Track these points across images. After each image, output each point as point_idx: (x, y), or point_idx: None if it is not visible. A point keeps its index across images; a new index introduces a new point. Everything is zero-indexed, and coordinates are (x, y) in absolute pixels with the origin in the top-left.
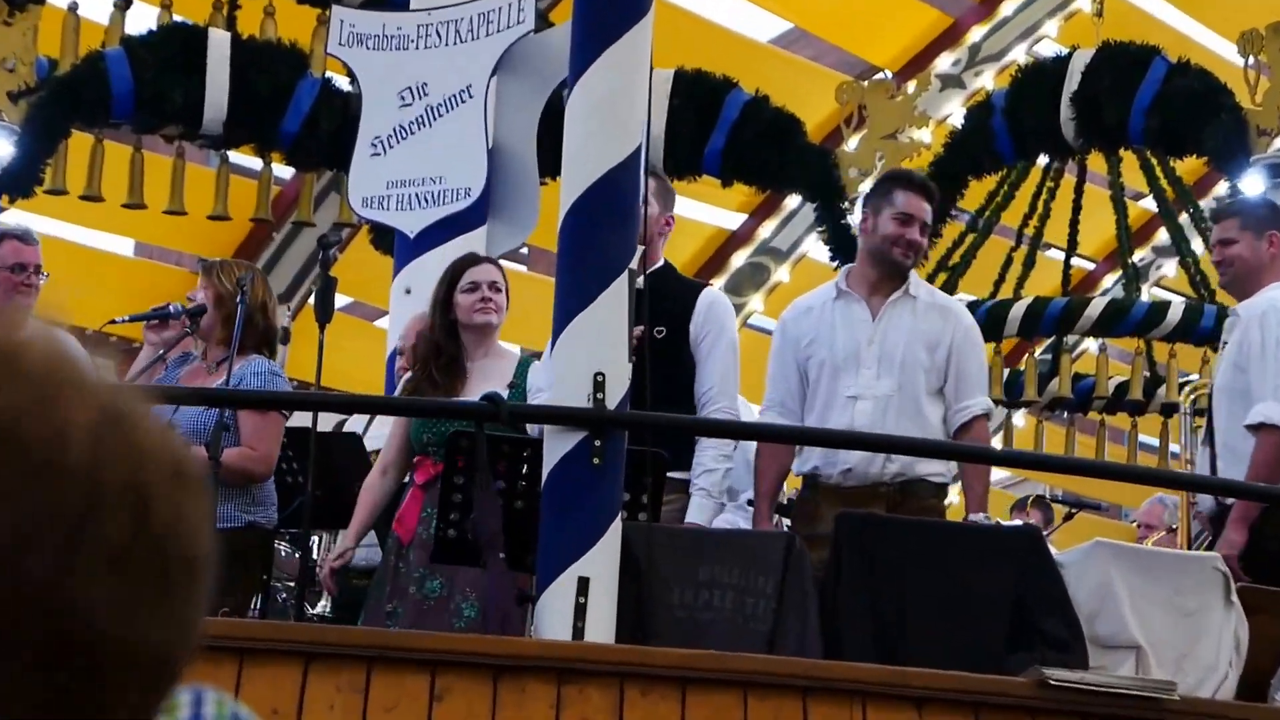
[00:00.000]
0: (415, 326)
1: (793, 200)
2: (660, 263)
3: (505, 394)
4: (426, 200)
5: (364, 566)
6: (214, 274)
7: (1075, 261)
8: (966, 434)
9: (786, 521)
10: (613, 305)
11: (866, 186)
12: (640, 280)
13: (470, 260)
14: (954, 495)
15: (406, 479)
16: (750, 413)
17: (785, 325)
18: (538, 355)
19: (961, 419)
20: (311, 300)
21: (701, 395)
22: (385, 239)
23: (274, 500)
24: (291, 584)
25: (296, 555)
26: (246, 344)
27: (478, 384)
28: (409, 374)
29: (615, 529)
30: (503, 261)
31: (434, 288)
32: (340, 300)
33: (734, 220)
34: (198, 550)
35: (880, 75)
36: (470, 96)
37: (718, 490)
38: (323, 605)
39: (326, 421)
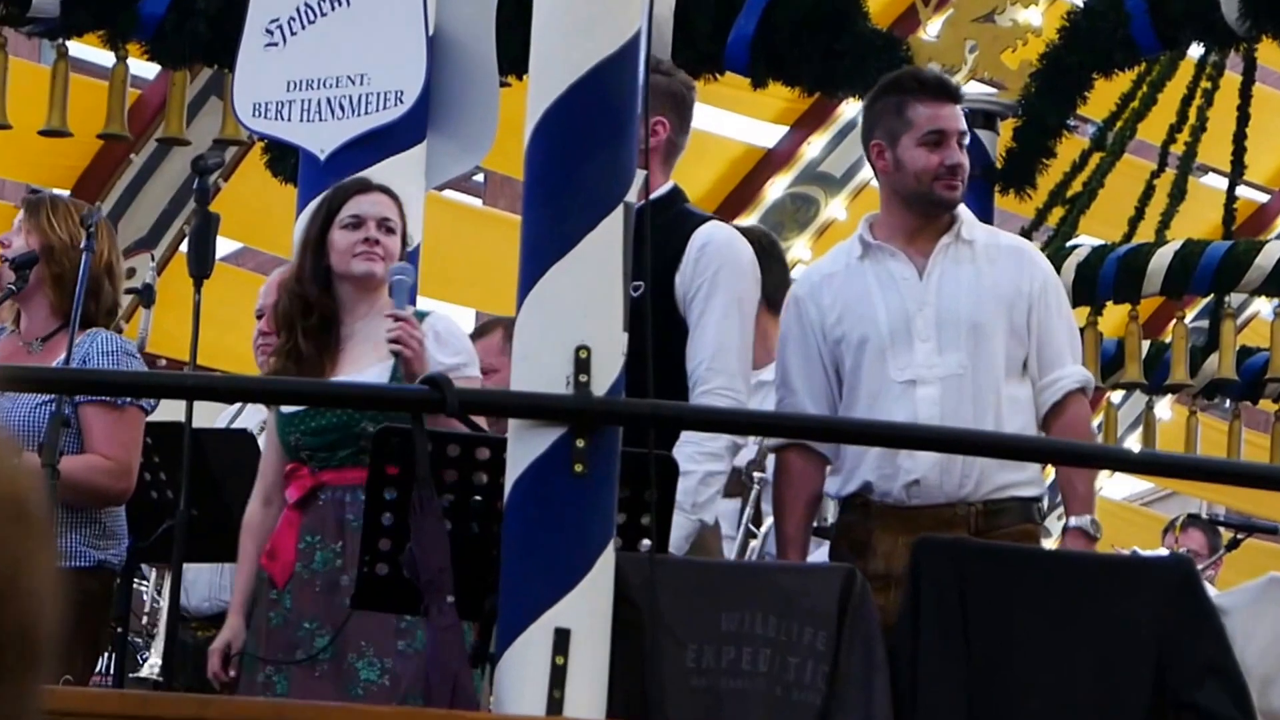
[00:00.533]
0: (281, 278)
1: (849, 108)
2: (668, 186)
3: (390, 368)
4: (343, 108)
5: (209, 612)
6: (43, 215)
7: (1241, 191)
8: (1060, 418)
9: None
10: (601, 253)
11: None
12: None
13: (355, 186)
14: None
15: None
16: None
17: (799, 303)
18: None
19: (1052, 397)
20: (184, 247)
21: (690, 374)
22: (285, 162)
23: (125, 530)
24: (152, 634)
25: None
26: (87, 311)
27: (358, 354)
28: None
29: (607, 562)
30: (450, 193)
31: (306, 222)
32: (224, 246)
33: (769, 135)
34: (39, 619)
35: None
36: None
37: (694, 501)
38: (151, 664)
39: (205, 414)
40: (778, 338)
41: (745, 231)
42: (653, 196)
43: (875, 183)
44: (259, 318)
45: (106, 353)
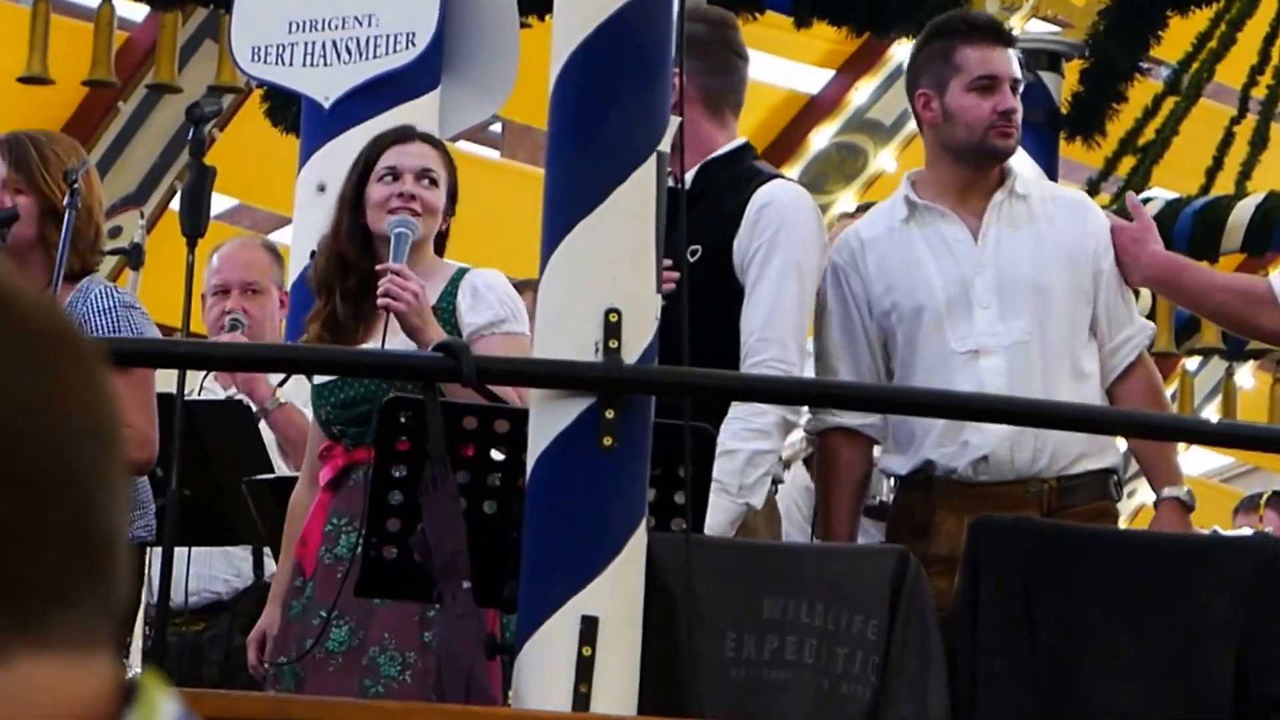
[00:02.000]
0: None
1: (900, 50)
2: (737, 142)
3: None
4: (349, 51)
5: (196, 605)
6: (32, 164)
7: None
8: (1128, 381)
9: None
10: (632, 208)
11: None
12: (675, 172)
13: (393, 135)
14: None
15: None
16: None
17: (838, 272)
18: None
19: (1125, 360)
20: (176, 204)
21: (743, 345)
22: (286, 111)
23: (150, 497)
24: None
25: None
26: (72, 268)
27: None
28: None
29: (638, 544)
30: (465, 144)
31: (344, 177)
32: (220, 203)
33: (813, 80)
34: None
35: None
36: None
37: (740, 483)
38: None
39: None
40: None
41: None
42: (720, 152)
43: None
44: (215, 293)
45: (103, 310)
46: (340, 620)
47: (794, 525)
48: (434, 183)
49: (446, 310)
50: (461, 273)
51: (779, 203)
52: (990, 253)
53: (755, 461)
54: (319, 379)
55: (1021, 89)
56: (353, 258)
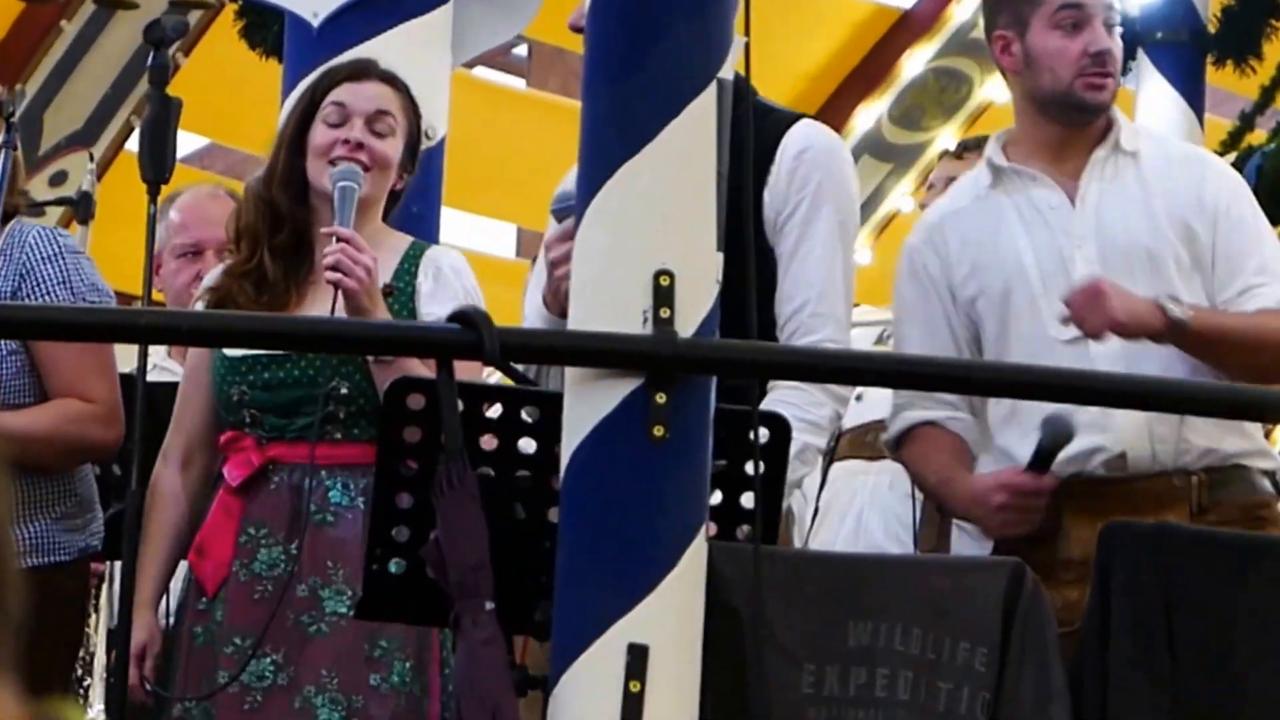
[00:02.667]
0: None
1: None
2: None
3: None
4: None
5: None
6: None
7: None
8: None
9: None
10: (688, 148)
11: None
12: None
13: (347, 70)
14: None
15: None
16: None
17: (914, 255)
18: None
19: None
20: (133, 143)
21: (784, 319)
22: (266, 30)
23: (96, 493)
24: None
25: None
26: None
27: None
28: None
29: (697, 556)
30: (484, 70)
31: (286, 112)
32: (186, 142)
33: None
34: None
35: None
36: None
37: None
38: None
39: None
40: None
41: None
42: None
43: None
44: (181, 255)
45: (48, 258)
46: (264, 652)
47: (889, 537)
48: (381, 133)
49: (404, 292)
50: (419, 249)
51: (818, 148)
52: (1090, 220)
53: (804, 457)
54: (230, 352)
55: (1119, 26)
56: (285, 208)
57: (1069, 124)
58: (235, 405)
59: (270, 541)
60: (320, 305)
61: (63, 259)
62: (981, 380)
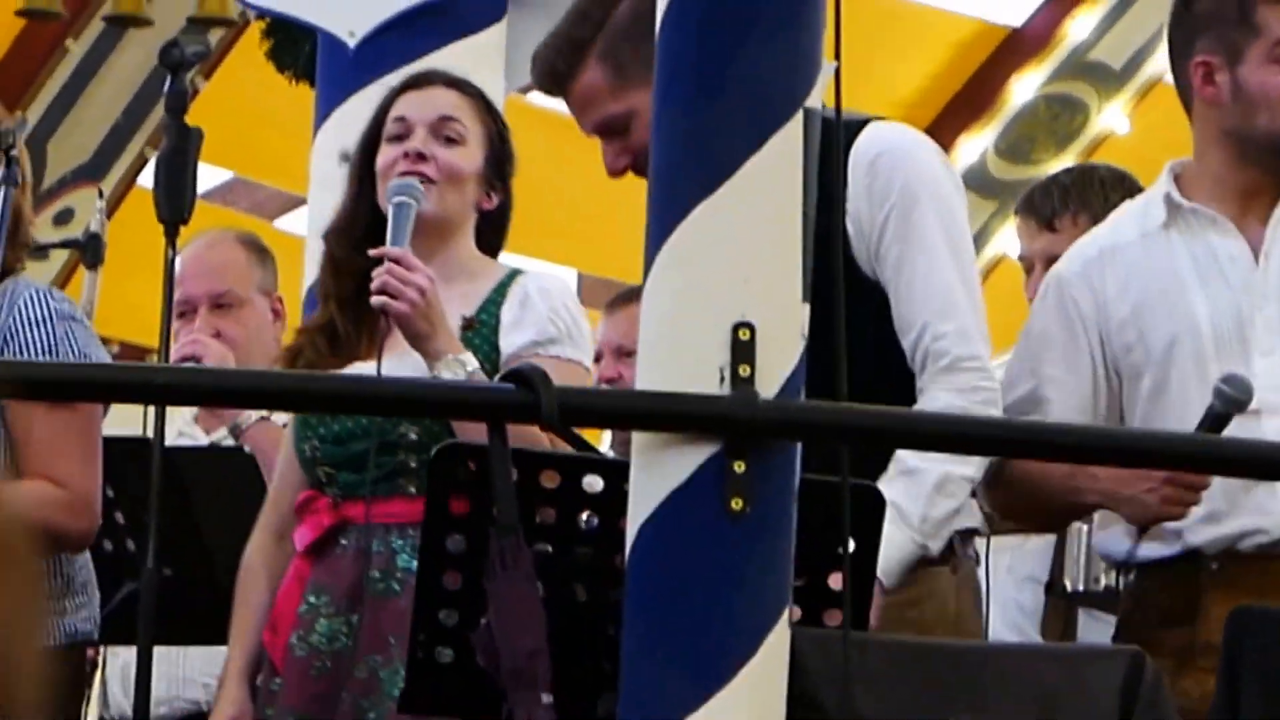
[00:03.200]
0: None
1: None
2: None
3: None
4: None
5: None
6: None
7: None
8: None
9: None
10: (771, 185)
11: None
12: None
13: (410, 80)
14: None
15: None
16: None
17: (1064, 287)
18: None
19: None
20: (147, 177)
21: (911, 351)
22: (295, 51)
23: (94, 580)
24: None
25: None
26: (13, 263)
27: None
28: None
29: (778, 644)
30: (535, 96)
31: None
32: (207, 177)
33: (1015, 7)
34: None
35: None
36: None
37: (923, 514)
38: None
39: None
40: None
41: None
42: None
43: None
44: (179, 315)
45: (36, 322)
46: None
47: (1009, 627)
48: (454, 139)
49: (487, 324)
50: (513, 275)
51: (894, 149)
52: (1276, 278)
53: (947, 489)
54: None
55: None
56: (342, 253)
57: (1270, 170)
58: (309, 462)
59: (330, 611)
60: (392, 355)
61: (50, 324)
62: (1135, 449)
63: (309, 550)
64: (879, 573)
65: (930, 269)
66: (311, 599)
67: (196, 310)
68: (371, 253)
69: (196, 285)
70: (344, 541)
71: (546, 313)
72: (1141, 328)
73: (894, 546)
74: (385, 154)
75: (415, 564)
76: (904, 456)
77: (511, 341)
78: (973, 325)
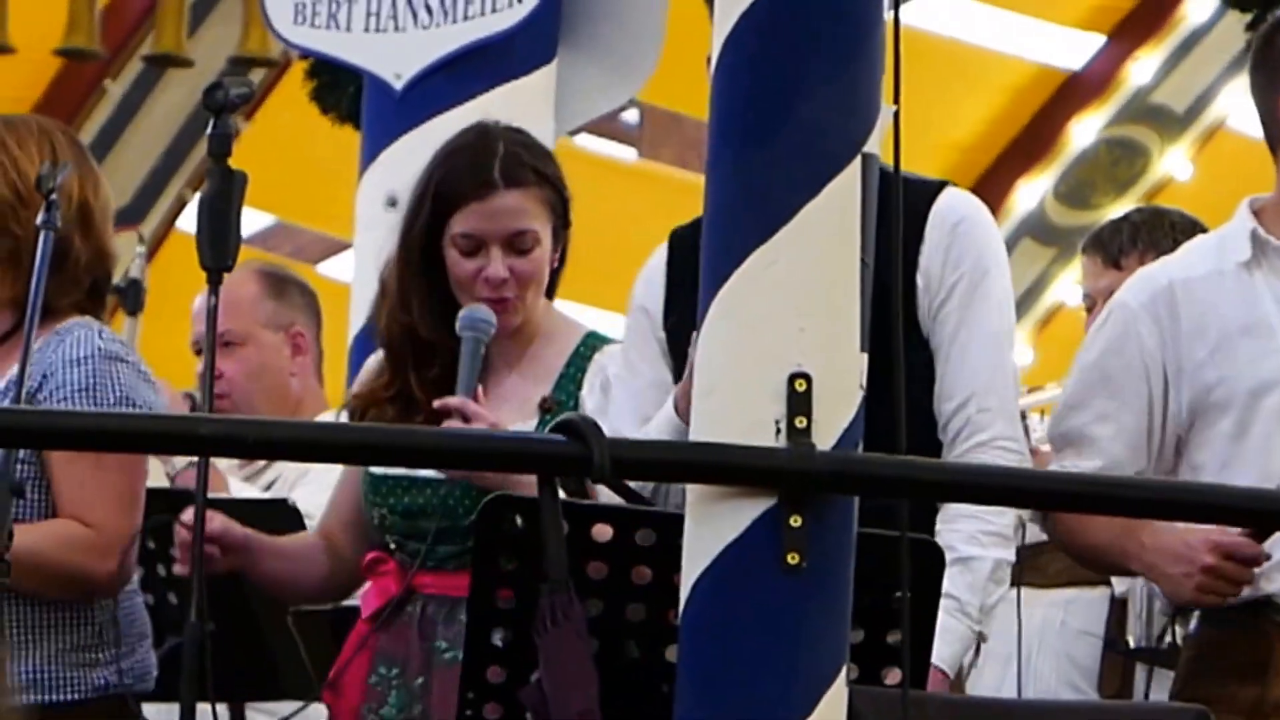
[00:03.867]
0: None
1: (1195, 7)
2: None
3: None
4: (429, 11)
5: None
6: None
7: None
8: None
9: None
10: (828, 232)
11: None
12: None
13: (466, 186)
14: None
15: (356, 595)
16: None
17: (1132, 317)
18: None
19: None
20: (186, 220)
21: (947, 416)
22: (341, 94)
23: (147, 633)
24: None
25: None
26: (58, 301)
27: (501, 413)
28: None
29: (836, 702)
30: (589, 139)
31: (406, 215)
32: (253, 221)
33: (1075, 50)
34: None
35: None
36: None
37: (981, 603)
38: None
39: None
40: None
41: None
42: None
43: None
44: (197, 353)
45: (75, 361)
46: None
47: (1064, 684)
48: (525, 250)
49: (565, 406)
50: (590, 346)
51: (974, 219)
52: None
53: (998, 576)
54: (376, 469)
55: None
56: (435, 338)
57: None
58: (379, 528)
59: (400, 683)
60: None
61: (91, 363)
62: (1200, 504)
63: (374, 616)
64: (942, 664)
65: (985, 344)
66: (382, 670)
67: (200, 352)
68: (437, 404)
69: (198, 323)
70: (410, 609)
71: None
72: (1224, 369)
73: (955, 638)
74: (461, 266)
75: None
76: (955, 544)
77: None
78: (1011, 405)
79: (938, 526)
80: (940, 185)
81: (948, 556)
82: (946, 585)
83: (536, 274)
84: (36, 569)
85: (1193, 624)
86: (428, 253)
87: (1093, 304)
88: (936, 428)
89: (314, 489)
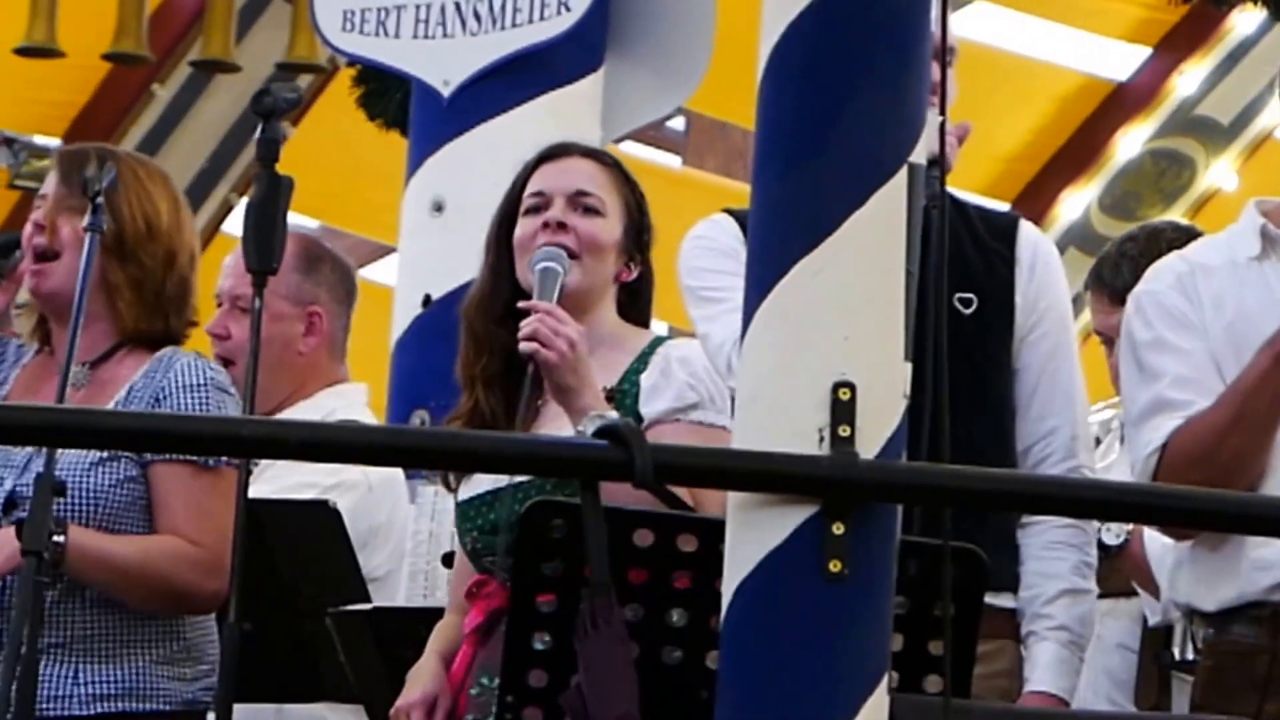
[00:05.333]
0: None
1: (1243, 20)
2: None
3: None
4: (477, 19)
5: None
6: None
7: None
8: None
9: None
10: (873, 242)
11: None
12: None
13: (544, 152)
14: None
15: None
16: None
17: (1161, 297)
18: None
19: None
20: (231, 223)
21: (1032, 442)
22: (389, 100)
23: (216, 647)
24: None
25: None
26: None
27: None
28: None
29: (877, 711)
30: (636, 146)
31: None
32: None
33: (1120, 61)
34: None
35: None
36: None
37: (1082, 628)
38: None
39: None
40: None
41: None
42: None
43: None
44: (218, 304)
45: (190, 388)
46: None
47: (1100, 698)
48: (593, 210)
49: (628, 394)
50: (656, 344)
51: (1052, 251)
52: None
53: (1095, 610)
54: (463, 495)
55: None
56: (484, 329)
57: None
58: (475, 555)
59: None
60: (547, 433)
61: (205, 391)
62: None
63: (476, 632)
64: (1063, 694)
65: (1074, 375)
66: (484, 681)
67: (222, 304)
68: (521, 305)
69: (225, 281)
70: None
71: (686, 379)
72: (1236, 347)
73: (1071, 670)
74: (524, 226)
75: None
76: (1064, 573)
77: (653, 408)
78: (1090, 436)
79: (1025, 540)
80: (1015, 216)
81: (1039, 586)
82: (1059, 614)
83: (598, 238)
84: (145, 580)
85: (1210, 629)
86: (501, 240)
87: (1109, 340)
88: (1012, 440)
89: (282, 469)
